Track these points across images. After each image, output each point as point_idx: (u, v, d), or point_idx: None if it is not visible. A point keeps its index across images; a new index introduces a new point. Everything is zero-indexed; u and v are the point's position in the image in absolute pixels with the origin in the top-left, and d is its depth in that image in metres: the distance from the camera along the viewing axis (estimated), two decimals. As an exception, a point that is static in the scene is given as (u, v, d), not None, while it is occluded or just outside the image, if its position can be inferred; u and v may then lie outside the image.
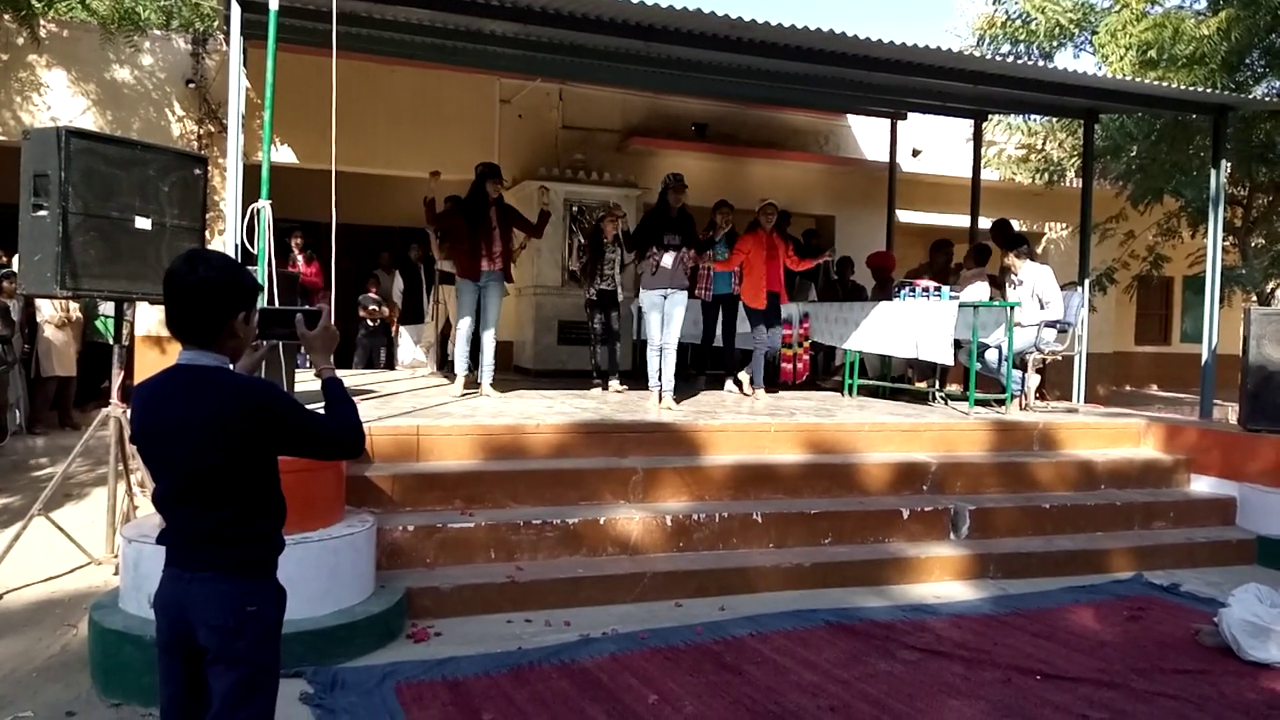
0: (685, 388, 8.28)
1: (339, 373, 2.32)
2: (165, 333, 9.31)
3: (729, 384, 8.40)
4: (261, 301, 4.93)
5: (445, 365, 9.92)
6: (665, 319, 7.00)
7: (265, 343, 2.32)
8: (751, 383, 7.76)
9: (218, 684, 2.05)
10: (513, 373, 10.43)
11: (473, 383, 7.31)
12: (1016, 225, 13.27)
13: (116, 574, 4.41)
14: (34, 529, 4.85)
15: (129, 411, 2.16)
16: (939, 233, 11.48)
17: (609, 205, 9.12)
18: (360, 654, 3.83)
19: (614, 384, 7.97)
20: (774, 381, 8.43)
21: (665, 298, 6.99)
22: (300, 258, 9.99)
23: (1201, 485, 6.56)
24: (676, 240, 6.96)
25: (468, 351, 7.19)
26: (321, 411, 2.21)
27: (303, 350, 2.40)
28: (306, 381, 5.45)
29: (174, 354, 2.10)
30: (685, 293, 7.07)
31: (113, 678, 3.57)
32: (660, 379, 6.98)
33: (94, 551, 5.01)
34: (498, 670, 3.70)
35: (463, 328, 7.17)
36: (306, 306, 2.32)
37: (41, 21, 9.21)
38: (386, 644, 3.97)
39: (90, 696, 3.55)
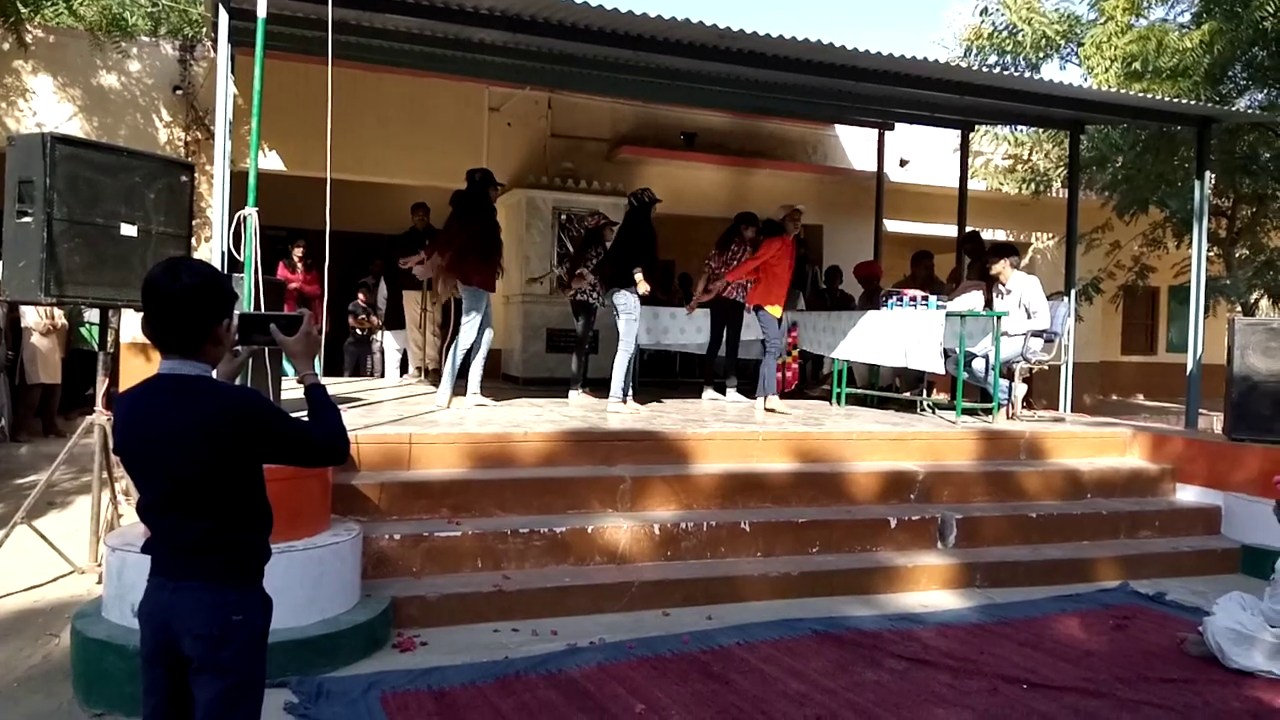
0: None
1: (323, 379, 2.31)
2: (151, 340, 9.20)
3: (711, 392, 8.35)
4: (244, 307, 4.92)
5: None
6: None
7: (244, 349, 2.31)
8: (763, 395, 7.65)
9: (202, 694, 2.04)
10: (501, 381, 10.40)
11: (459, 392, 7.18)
12: (1003, 235, 13.47)
13: (100, 583, 4.38)
14: (17, 537, 4.81)
15: (112, 420, 2.15)
16: (926, 242, 11.55)
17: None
18: (345, 664, 3.81)
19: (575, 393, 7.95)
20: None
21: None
22: (300, 266, 9.96)
23: (1187, 494, 6.60)
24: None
25: (460, 365, 7.00)
26: (305, 418, 2.21)
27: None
28: (290, 389, 5.42)
29: (159, 361, 2.08)
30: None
31: (95, 688, 3.54)
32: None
33: (77, 560, 4.97)
34: (484, 680, 3.68)
35: (484, 339, 6.98)
36: (286, 312, 2.31)
37: (28, 27, 9.16)
38: (372, 653, 3.94)
39: (72, 707, 3.52)
